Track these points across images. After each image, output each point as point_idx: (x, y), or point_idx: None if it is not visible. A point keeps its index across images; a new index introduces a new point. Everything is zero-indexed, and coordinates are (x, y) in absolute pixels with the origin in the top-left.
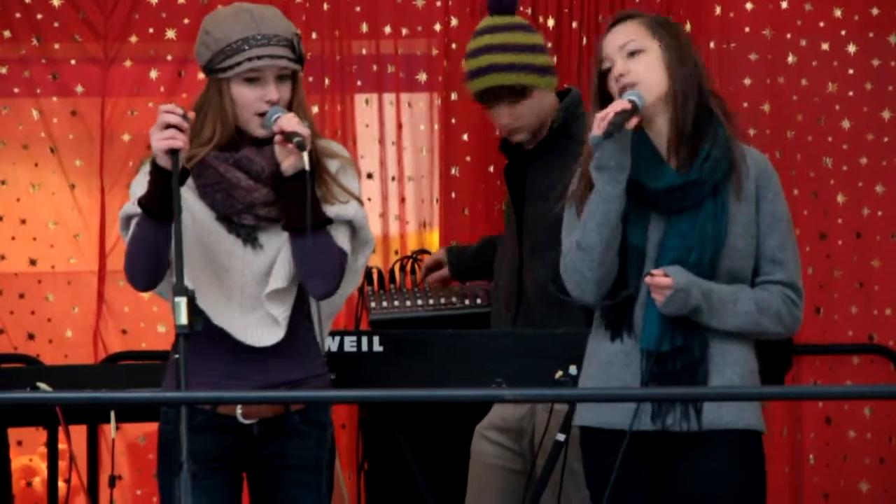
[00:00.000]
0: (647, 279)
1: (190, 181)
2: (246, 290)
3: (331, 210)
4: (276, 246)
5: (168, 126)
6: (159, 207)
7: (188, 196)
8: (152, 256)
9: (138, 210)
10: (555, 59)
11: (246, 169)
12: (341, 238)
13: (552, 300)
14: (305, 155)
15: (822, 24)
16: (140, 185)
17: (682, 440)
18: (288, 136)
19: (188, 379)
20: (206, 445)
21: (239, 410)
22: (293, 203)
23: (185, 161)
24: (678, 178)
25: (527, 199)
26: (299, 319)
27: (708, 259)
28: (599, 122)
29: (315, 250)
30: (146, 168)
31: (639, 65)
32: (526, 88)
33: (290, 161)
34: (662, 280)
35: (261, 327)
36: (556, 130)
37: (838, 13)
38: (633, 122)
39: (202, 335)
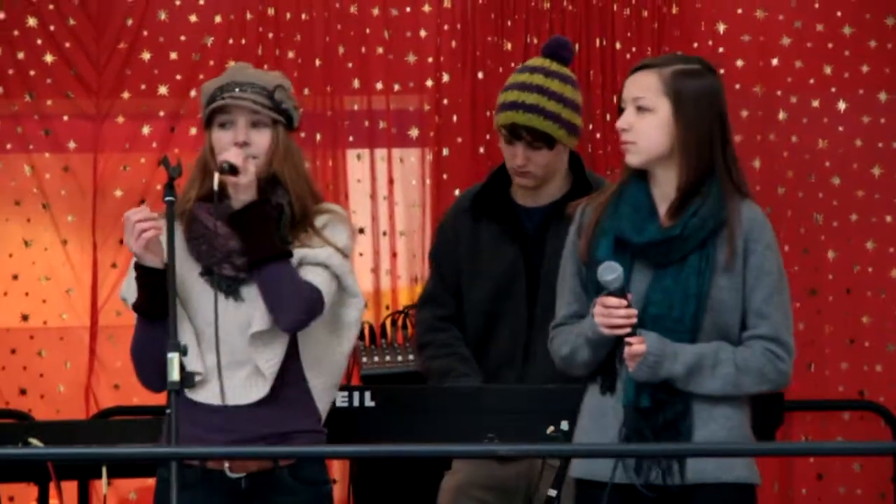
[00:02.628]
0: (625, 349)
1: (180, 240)
2: (230, 344)
3: (300, 251)
4: (256, 300)
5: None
6: (156, 307)
7: (180, 253)
8: (158, 356)
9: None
10: None
11: (226, 219)
12: (313, 276)
13: None
14: (216, 176)
15: (812, 81)
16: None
17: (670, 495)
18: (222, 170)
19: (180, 434)
20: (197, 501)
21: (227, 465)
22: (249, 236)
23: (178, 216)
24: (660, 234)
25: (546, 257)
26: (293, 371)
27: (690, 314)
28: (603, 319)
29: (275, 280)
30: None
31: (642, 123)
32: (555, 142)
33: (238, 195)
34: (635, 349)
35: (248, 383)
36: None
37: (828, 70)
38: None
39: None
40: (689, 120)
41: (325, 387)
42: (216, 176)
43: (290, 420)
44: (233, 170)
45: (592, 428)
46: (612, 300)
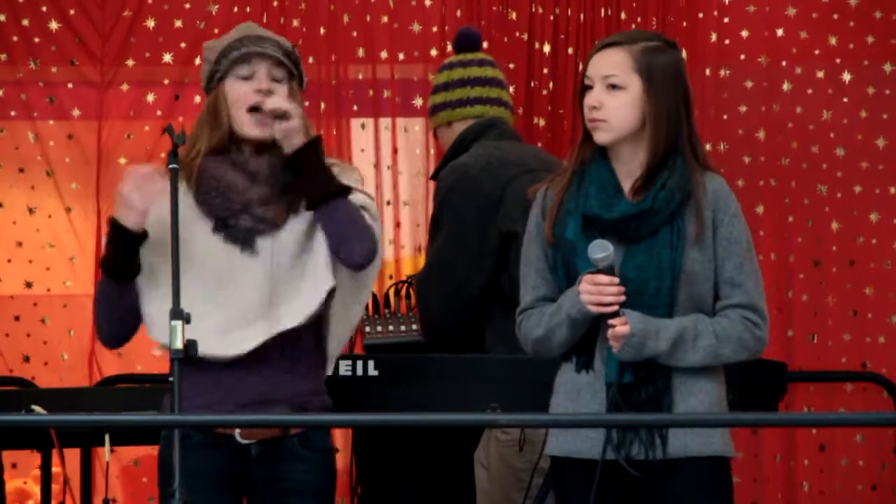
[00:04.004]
0: (609, 331)
1: (188, 197)
2: (245, 299)
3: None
4: (271, 252)
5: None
6: (124, 267)
7: (187, 213)
8: (122, 314)
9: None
10: (551, 84)
11: (243, 169)
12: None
13: None
14: (276, 124)
15: (817, 52)
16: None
17: (650, 470)
18: (275, 115)
19: (185, 396)
20: (206, 463)
21: (237, 430)
22: (311, 175)
23: (186, 175)
24: (632, 208)
25: None
26: (311, 333)
27: (667, 287)
28: (590, 296)
29: (343, 214)
30: None
31: (614, 100)
32: (435, 129)
33: (291, 139)
34: (619, 330)
35: (258, 338)
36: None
37: (833, 41)
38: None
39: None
40: (660, 96)
41: (337, 350)
42: (276, 124)
43: (303, 384)
44: (284, 116)
45: (568, 405)
46: (603, 278)
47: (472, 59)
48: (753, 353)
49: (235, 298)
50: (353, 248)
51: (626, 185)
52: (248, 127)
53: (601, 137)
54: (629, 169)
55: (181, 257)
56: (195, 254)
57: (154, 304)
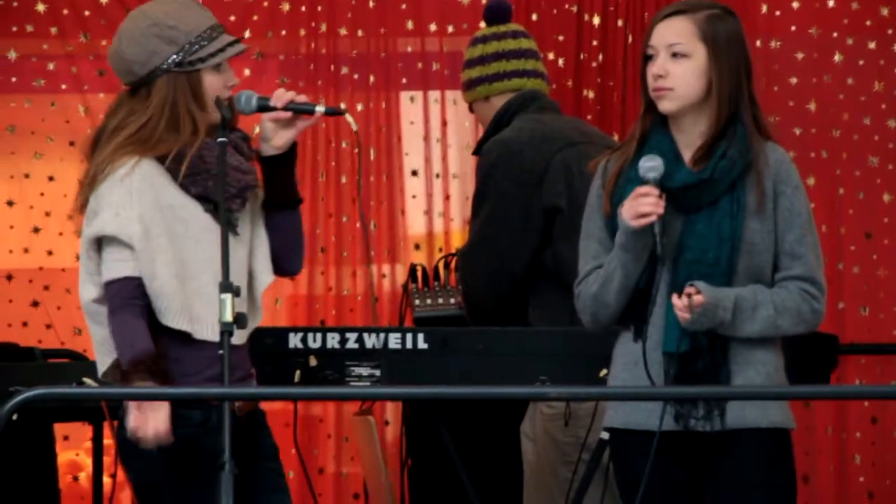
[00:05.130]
0: (679, 301)
1: (169, 181)
2: (237, 283)
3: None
4: (248, 232)
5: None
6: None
7: (178, 197)
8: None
9: (122, 270)
10: (600, 57)
11: (240, 151)
12: None
13: None
14: (318, 109)
15: (868, 23)
16: (129, 203)
17: (709, 441)
18: (299, 109)
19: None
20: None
21: (237, 405)
22: (284, 178)
23: (175, 159)
24: (692, 177)
25: None
26: None
27: (726, 257)
28: (630, 213)
29: (297, 224)
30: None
31: (679, 68)
32: (471, 104)
33: (283, 137)
34: (697, 299)
35: (253, 323)
36: None
37: (885, 12)
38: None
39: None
40: (724, 64)
41: None
42: (318, 109)
43: (248, 361)
44: (334, 111)
45: (626, 376)
46: (645, 188)
47: (506, 31)
48: (811, 325)
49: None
50: (298, 259)
51: (687, 155)
52: (214, 113)
53: (666, 106)
54: (690, 138)
55: (184, 239)
56: (197, 237)
57: (167, 287)
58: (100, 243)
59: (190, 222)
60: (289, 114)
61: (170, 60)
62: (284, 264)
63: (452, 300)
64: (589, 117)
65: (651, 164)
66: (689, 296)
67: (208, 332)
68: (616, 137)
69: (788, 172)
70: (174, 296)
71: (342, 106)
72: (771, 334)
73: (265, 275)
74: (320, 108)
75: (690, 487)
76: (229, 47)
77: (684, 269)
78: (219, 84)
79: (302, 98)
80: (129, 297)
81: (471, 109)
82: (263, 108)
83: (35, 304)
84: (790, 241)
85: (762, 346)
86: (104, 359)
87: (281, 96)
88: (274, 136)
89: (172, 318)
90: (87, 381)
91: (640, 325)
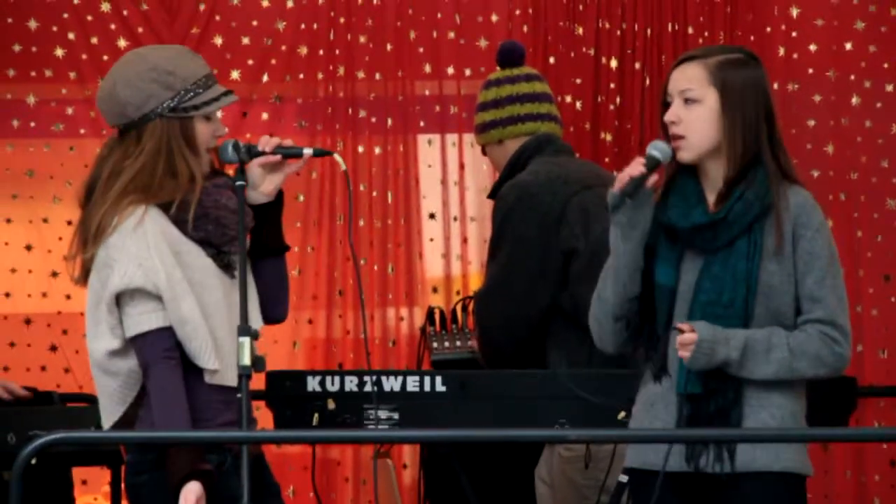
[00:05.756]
0: (677, 339)
1: (174, 228)
2: (232, 324)
3: None
4: (240, 275)
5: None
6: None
7: (184, 245)
8: None
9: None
10: (618, 99)
11: (235, 196)
12: None
13: None
14: (307, 151)
15: (886, 66)
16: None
17: (719, 483)
18: (287, 152)
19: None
20: (237, 488)
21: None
22: (272, 225)
23: (180, 207)
24: (706, 218)
25: None
26: None
27: (741, 300)
28: (619, 180)
29: (284, 272)
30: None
31: (691, 115)
32: (484, 146)
33: (272, 182)
34: (687, 336)
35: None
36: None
37: None
38: (654, 179)
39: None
40: (736, 109)
41: None
42: (306, 151)
43: None
44: (322, 152)
45: (643, 417)
46: (639, 158)
47: (520, 74)
48: (833, 369)
49: (234, 325)
50: (283, 306)
51: (711, 198)
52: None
53: (683, 156)
54: (713, 182)
55: (194, 284)
56: (203, 283)
57: (200, 329)
58: (119, 297)
59: (196, 267)
60: (278, 157)
61: (165, 105)
62: (269, 312)
63: (470, 343)
64: (606, 160)
65: (659, 145)
66: (681, 332)
67: (225, 376)
68: None
69: (810, 215)
70: (207, 337)
71: (338, 154)
72: (788, 377)
73: (257, 321)
74: (308, 151)
75: None
76: (223, 97)
77: (699, 311)
78: (208, 133)
79: (289, 142)
80: (165, 350)
81: (483, 152)
82: (250, 154)
83: (53, 348)
84: (809, 285)
85: (779, 389)
86: (113, 410)
87: (268, 142)
88: (262, 183)
89: (208, 360)
90: None
91: (659, 366)
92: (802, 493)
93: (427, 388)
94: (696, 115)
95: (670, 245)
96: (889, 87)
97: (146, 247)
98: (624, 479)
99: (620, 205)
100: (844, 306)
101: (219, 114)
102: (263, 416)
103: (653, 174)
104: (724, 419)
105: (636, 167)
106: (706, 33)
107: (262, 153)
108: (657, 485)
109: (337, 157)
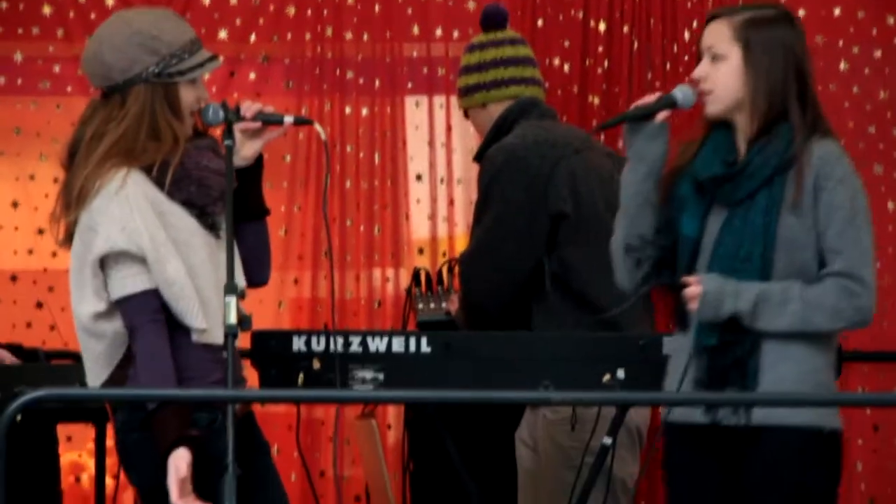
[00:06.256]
0: (685, 291)
1: (157, 190)
2: (219, 284)
3: None
4: (227, 235)
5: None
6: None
7: (167, 206)
8: None
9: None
10: (606, 63)
11: (220, 156)
12: None
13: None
14: (288, 119)
15: (874, 32)
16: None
17: (738, 435)
18: (268, 119)
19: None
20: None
21: (237, 407)
22: (252, 190)
23: (161, 168)
24: (722, 169)
25: None
26: None
27: (758, 253)
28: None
29: (264, 236)
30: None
31: (717, 71)
32: (466, 109)
33: (252, 147)
34: (691, 290)
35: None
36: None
37: (891, 21)
38: (664, 115)
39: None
40: (760, 66)
41: None
42: (287, 119)
43: None
44: (302, 120)
45: (671, 368)
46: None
47: (504, 38)
48: (853, 322)
49: (220, 285)
50: (265, 270)
51: (742, 152)
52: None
53: (709, 109)
54: (744, 136)
55: (180, 244)
56: (188, 242)
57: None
58: (103, 260)
59: (180, 228)
60: (258, 124)
61: (150, 70)
62: (251, 275)
63: (445, 305)
64: (594, 122)
65: (685, 88)
66: (685, 285)
67: (212, 335)
68: (620, 144)
69: (833, 166)
70: (194, 297)
71: (318, 124)
72: (804, 330)
73: (241, 280)
74: (289, 119)
75: (721, 479)
76: (208, 62)
77: (717, 264)
78: (192, 98)
79: (270, 109)
80: (151, 312)
81: (466, 115)
82: (232, 118)
83: (39, 305)
84: (830, 237)
85: (799, 342)
86: (100, 372)
87: (249, 107)
88: (242, 148)
89: (195, 319)
90: None
91: (681, 317)
92: (827, 448)
93: (412, 349)
94: (720, 71)
95: (699, 197)
96: (877, 53)
97: (129, 210)
98: (608, 441)
99: (630, 136)
100: (867, 259)
101: (206, 76)
102: (249, 374)
103: (663, 110)
104: (741, 370)
105: (650, 97)
106: None
107: (243, 118)
108: (660, 431)
109: (317, 126)
